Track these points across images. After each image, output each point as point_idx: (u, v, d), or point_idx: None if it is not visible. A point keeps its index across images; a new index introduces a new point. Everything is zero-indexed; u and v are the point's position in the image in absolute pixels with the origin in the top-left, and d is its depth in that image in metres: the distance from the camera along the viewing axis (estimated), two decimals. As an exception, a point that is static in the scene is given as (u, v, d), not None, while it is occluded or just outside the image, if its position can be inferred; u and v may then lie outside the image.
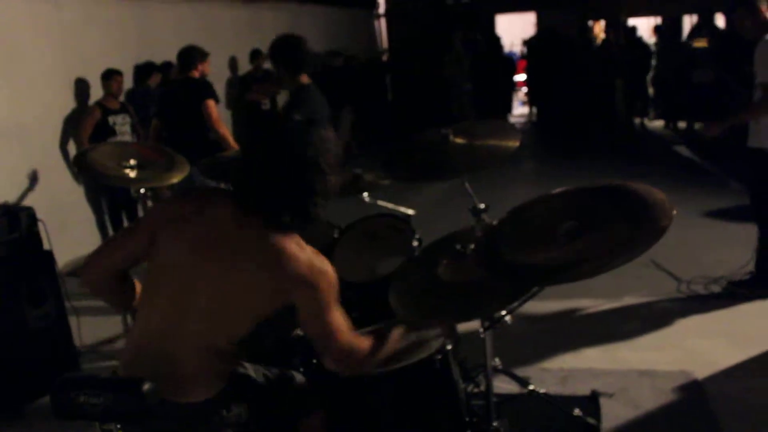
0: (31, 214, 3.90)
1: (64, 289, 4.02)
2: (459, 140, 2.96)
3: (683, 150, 10.31)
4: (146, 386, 1.84)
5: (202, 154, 4.42)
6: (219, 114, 5.63)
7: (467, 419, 2.70)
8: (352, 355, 2.08)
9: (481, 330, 2.75)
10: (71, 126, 6.43)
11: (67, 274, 3.92)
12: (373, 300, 3.06)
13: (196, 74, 5.63)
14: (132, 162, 3.88)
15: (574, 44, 14.11)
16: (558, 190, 2.55)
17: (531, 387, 3.30)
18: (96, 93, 6.50)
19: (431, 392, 2.55)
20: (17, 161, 5.85)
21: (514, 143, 2.91)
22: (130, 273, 2.18)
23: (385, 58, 15.95)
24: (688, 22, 13.35)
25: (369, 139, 12.39)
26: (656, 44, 13.24)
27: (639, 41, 12.88)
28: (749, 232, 4.77)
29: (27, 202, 5.66)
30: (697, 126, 11.66)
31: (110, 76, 6.33)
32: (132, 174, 3.83)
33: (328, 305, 2.01)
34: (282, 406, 2.24)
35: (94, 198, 6.71)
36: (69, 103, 6.52)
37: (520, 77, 15.55)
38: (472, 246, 2.64)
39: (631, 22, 14.02)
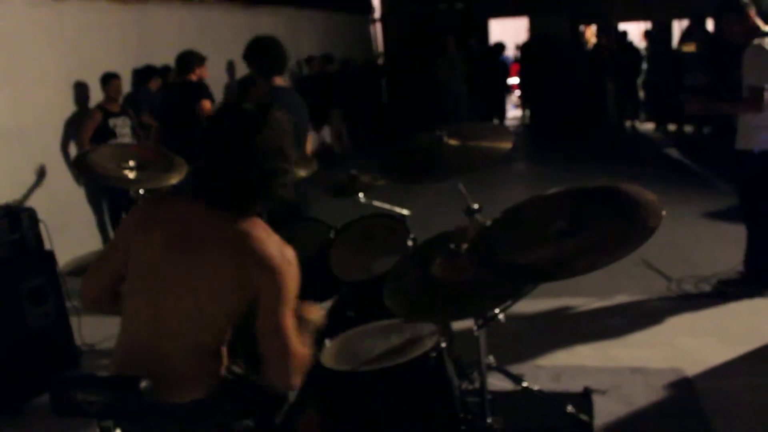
0: (32, 215, 3.95)
1: (65, 288, 4.06)
2: (453, 142, 2.97)
3: (673, 152, 10.41)
4: (143, 384, 1.86)
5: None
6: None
7: (462, 416, 2.73)
8: (297, 359, 1.98)
9: (476, 328, 2.76)
10: (72, 128, 6.47)
11: (67, 274, 3.95)
12: (368, 299, 3.11)
13: (193, 78, 5.68)
14: (131, 163, 3.90)
15: (566, 48, 14.20)
16: (550, 191, 2.56)
17: (525, 384, 3.34)
18: (96, 96, 6.55)
19: (426, 389, 2.57)
20: (18, 163, 5.88)
21: (507, 144, 2.93)
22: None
23: (380, 61, 16.04)
24: (678, 27, 13.43)
25: (365, 141, 12.47)
26: (647, 49, 13.35)
27: (630, 45, 12.96)
28: (738, 232, 4.84)
29: (28, 203, 5.70)
30: (687, 128, 11.79)
31: (108, 79, 6.38)
32: (131, 175, 3.85)
33: (288, 301, 1.96)
34: (276, 405, 2.24)
35: (94, 199, 6.76)
36: (70, 106, 6.56)
37: (513, 80, 15.63)
38: (466, 245, 2.68)
39: (622, 27, 14.11)
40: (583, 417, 3.16)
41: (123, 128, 6.39)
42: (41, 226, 3.99)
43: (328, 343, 2.76)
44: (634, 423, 3.24)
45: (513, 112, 15.75)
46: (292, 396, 2.32)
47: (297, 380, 2.01)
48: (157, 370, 1.94)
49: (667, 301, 4.66)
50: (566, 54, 14.05)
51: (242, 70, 9.40)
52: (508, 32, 17.05)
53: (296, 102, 4.09)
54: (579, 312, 4.59)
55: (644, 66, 12.96)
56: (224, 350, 2.08)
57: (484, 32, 16.06)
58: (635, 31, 14.31)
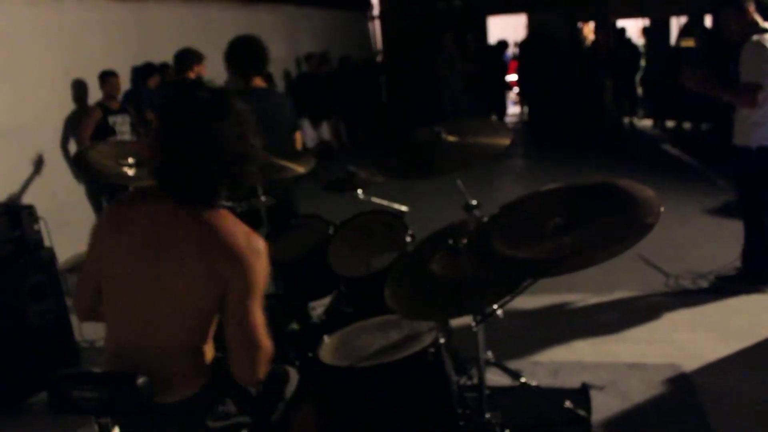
0: (32, 213, 3.96)
1: (64, 285, 4.08)
2: (451, 138, 2.98)
3: (671, 148, 10.40)
4: (140, 380, 1.86)
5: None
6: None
7: (460, 411, 2.75)
8: (262, 352, 1.95)
9: (474, 324, 2.76)
10: (71, 126, 6.48)
11: (67, 271, 3.97)
12: (367, 295, 3.13)
13: (191, 76, 5.68)
14: (130, 160, 3.91)
15: (564, 45, 14.21)
16: (548, 187, 2.58)
17: (523, 380, 3.36)
18: (96, 94, 6.55)
19: (424, 385, 2.59)
20: (18, 161, 5.89)
21: (505, 141, 2.93)
22: None
23: (379, 58, 16.04)
24: (676, 24, 13.42)
25: (364, 138, 12.49)
26: (645, 45, 13.36)
27: (628, 42, 12.97)
28: (736, 228, 4.85)
29: (28, 200, 5.70)
30: (685, 125, 11.80)
31: (106, 77, 6.39)
32: (130, 172, 3.87)
33: (255, 293, 1.93)
34: (271, 401, 2.24)
35: (94, 196, 6.74)
36: (69, 104, 6.57)
37: (512, 77, 15.62)
38: (465, 241, 2.69)
39: (620, 23, 14.11)
40: (581, 412, 3.17)
41: (123, 125, 6.41)
42: (41, 224, 4.00)
43: (326, 338, 2.78)
44: (632, 418, 3.25)
45: (511, 109, 15.75)
46: (289, 391, 2.32)
47: (261, 373, 1.99)
48: (143, 370, 1.91)
49: (664, 296, 4.67)
50: (564, 51, 14.06)
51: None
52: (507, 29, 17.04)
53: (278, 102, 4.09)
54: (577, 308, 4.60)
55: (642, 63, 12.98)
56: (209, 346, 2.07)
57: (483, 29, 16.05)
58: (633, 27, 14.31)
